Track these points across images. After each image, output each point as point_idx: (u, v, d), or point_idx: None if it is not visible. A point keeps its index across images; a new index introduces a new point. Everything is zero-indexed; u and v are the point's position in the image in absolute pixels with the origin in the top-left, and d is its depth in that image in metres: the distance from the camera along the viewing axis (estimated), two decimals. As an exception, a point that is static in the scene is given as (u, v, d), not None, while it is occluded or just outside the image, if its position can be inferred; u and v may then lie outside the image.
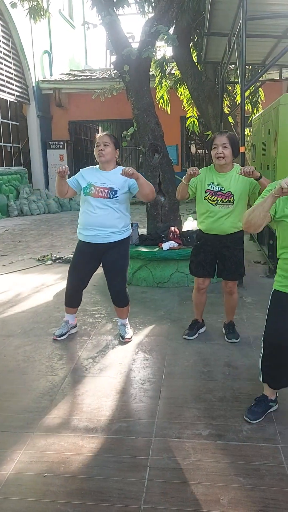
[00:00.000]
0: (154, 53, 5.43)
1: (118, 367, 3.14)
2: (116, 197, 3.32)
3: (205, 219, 3.38)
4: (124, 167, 3.15)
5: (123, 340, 3.59)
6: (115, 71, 6.62)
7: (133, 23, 42.31)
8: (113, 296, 3.60)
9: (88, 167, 3.53)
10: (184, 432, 2.36)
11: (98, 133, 17.54)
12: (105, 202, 3.31)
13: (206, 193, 3.32)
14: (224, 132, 3.31)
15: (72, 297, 3.69)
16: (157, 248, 5.11)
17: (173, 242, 5.10)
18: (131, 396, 2.75)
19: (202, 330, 3.73)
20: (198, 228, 3.56)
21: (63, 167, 3.25)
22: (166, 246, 5.05)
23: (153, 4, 7.83)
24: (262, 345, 2.44)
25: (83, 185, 3.38)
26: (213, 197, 3.29)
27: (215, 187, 3.30)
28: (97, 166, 3.47)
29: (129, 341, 3.58)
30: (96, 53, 21.78)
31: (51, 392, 2.81)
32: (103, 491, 1.95)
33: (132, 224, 5.49)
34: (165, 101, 9.35)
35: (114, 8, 5.47)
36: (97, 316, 4.21)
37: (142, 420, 2.48)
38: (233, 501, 1.88)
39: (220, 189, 3.28)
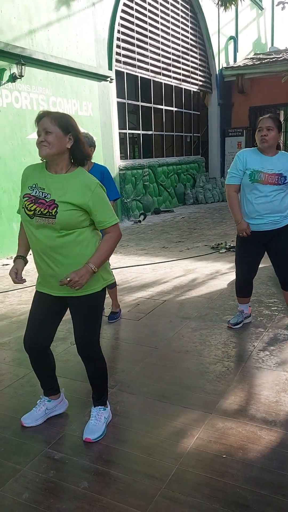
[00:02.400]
0: None
1: (297, 364, 3.01)
2: (286, 182, 3.25)
3: None
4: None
5: None
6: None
7: None
8: (284, 281, 3.52)
9: (245, 150, 3.40)
10: None
11: (280, 117, 16.75)
12: (275, 188, 3.25)
13: None
14: None
15: (243, 288, 3.69)
16: None
17: None
18: (312, 397, 2.61)
19: None
20: None
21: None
22: None
23: None
24: None
25: (248, 172, 3.30)
26: None
27: None
28: (255, 148, 3.37)
29: None
30: (283, 33, 20.68)
31: (227, 378, 2.86)
32: (283, 486, 1.90)
33: None
34: None
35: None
36: (273, 308, 4.10)
37: None
38: None
39: None
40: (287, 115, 15.66)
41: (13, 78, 6.83)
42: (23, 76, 6.89)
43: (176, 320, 3.93)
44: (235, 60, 15.04)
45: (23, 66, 6.80)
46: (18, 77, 6.85)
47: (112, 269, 3.95)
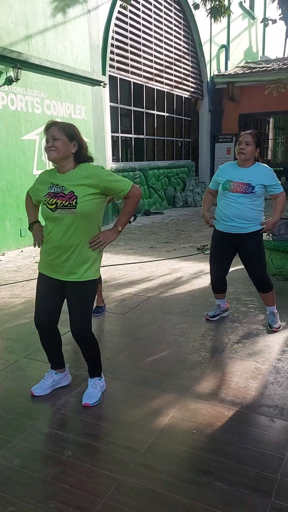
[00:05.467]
0: None
1: (267, 355, 3.28)
2: (254, 192, 3.52)
3: None
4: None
5: (270, 329, 3.73)
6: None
7: None
8: (256, 283, 3.78)
9: (226, 163, 3.78)
10: None
11: (268, 125, 17.15)
12: (242, 197, 3.53)
13: None
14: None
15: (216, 285, 3.99)
16: None
17: None
18: (278, 383, 2.87)
19: None
20: None
21: None
22: None
23: None
24: None
25: (221, 181, 3.64)
26: None
27: None
28: (235, 161, 3.69)
29: (277, 331, 3.69)
30: (274, 43, 21.12)
31: (202, 366, 3.13)
32: (243, 456, 2.17)
33: None
34: None
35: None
36: (250, 306, 4.37)
37: (287, 406, 2.60)
38: None
39: None
40: (277, 123, 16.05)
41: (9, 81, 7.06)
42: (19, 79, 7.11)
43: (159, 314, 4.18)
44: (226, 68, 15.40)
45: (19, 70, 7.04)
46: (14, 80, 7.08)
47: (101, 267, 4.19)
